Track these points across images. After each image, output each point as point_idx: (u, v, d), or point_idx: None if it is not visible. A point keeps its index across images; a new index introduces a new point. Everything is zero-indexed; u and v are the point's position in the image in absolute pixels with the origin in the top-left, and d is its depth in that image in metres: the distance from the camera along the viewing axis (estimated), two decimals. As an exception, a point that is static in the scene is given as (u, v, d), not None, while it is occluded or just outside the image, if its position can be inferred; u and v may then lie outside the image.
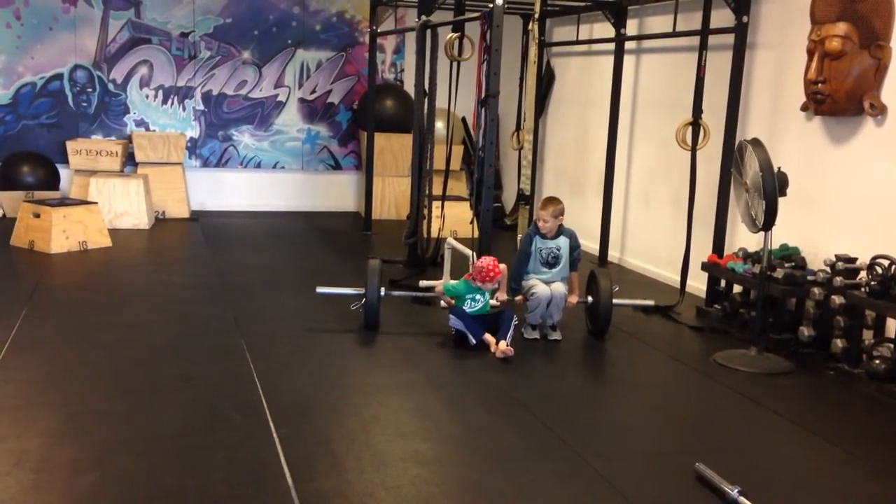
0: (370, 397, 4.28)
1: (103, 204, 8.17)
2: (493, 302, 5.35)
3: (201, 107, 9.64)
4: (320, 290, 5.59)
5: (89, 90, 9.28)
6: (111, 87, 9.33)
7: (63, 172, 9.01)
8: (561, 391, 4.59)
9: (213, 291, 6.26)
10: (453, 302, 5.33)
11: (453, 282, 5.48)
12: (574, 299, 5.42)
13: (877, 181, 5.15)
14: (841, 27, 5.15)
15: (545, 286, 5.31)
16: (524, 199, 6.69)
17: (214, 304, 5.92)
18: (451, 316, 5.18)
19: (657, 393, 4.68)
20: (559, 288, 5.31)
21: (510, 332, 5.07)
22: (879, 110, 5.10)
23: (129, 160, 9.29)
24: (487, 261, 5.20)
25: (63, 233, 7.30)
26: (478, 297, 5.23)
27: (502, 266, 5.26)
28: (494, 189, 6.02)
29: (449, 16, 7.09)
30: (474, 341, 5.07)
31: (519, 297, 5.36)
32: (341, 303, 5.60)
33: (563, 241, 5.41)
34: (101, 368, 4.56)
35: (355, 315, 5.47)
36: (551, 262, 5.41)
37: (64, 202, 7.76)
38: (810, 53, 5.39)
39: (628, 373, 5.04)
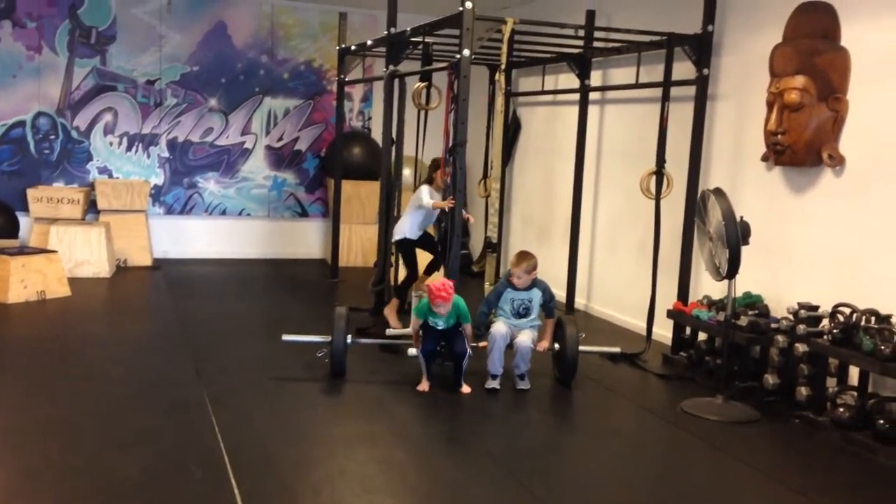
0: (336, 449, 4.21)
1: (63, 252, 8.03)
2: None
3: (166, 154, 9.58)
4: (286, 337, 5.55)
5: (52, 137, 9.19)
6: (74, 134, 9.25)
7: (23, 220, 8.86)
8: (529, 441, 4.55)
9: (175, 341, 6.16)
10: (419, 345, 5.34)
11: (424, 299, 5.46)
12: (545, 345, 5.42)
13: (836, 230, 5.24)
14: (799, 80, 5.28)
15: (504, 327, 5.32)
16: (491, 247, 6.69)
17: (176, 354, 5.82)
18: (416, 351, 5.27)
19: (625, 442, 4.66)
20: (525, 341, 5.31)
21: (463, 371, 5.23)
22: (837, 161, 5.21)
23: (92, 208, 9.18)
24: (438, 282, 5.19)
25: (21, 282, 7.16)
26: (439, 323, 5.23)
27: (459, 299, 5.23)
28: (462, 236, 6.03)
29: (417, 65, 7.16)
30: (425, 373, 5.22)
31: (483, 343, 5.35)
32: (307, 351, 5.53)
33: (535, 294, 5.44)
34: (59, 422, 4.44)
35: (321, 364, 5.41)
36: (522, 312, 5.43)
37: (23, 251, 7.62)
38: (770, 105, 5.50)
39: (596, 422, 5.01)
